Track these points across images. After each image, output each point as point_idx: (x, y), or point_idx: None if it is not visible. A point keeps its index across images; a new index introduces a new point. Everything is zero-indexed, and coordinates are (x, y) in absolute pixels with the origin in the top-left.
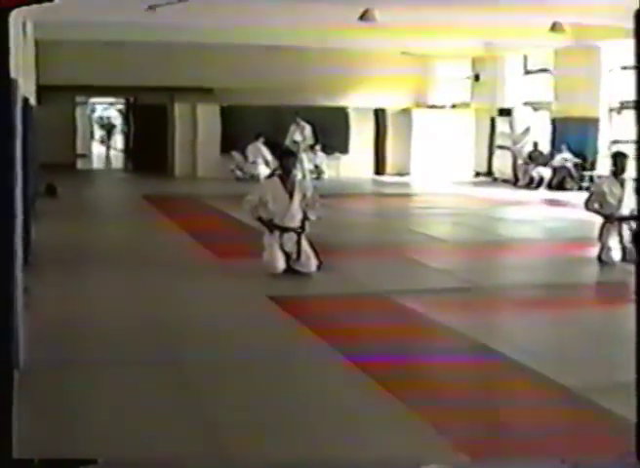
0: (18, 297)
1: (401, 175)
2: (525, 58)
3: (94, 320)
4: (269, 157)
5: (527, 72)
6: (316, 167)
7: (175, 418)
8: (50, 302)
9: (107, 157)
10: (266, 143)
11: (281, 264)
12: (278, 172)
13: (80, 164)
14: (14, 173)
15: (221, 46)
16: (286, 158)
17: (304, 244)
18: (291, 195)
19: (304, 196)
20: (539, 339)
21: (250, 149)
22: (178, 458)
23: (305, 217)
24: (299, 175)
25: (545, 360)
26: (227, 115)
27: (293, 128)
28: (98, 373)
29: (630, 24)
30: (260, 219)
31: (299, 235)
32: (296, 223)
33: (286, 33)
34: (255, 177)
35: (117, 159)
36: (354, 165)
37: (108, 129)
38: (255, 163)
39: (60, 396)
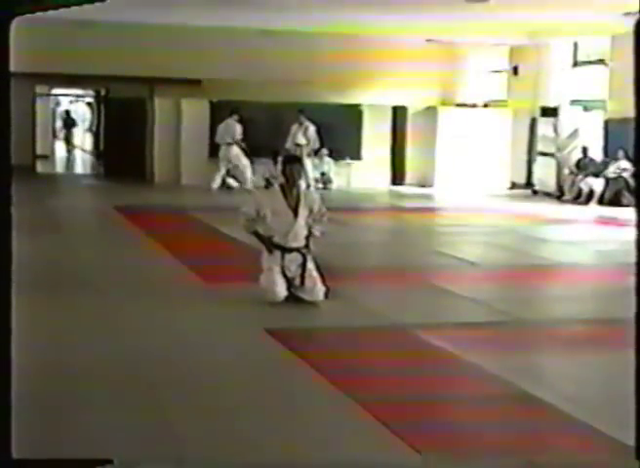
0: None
1: (423, 185)
2: (575, 46)
3: (59, 357)
4: (237, 136)
5: (576, 64)
6: (322, 175)
7: None
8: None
9: (69, 160)
10: (242, 122)
11: (282, 290)
12: (279, 181)
13: (40, 167)
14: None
15: (212, 29)
16: (290, 165)
17: (311, 267)
18: (295, 210)
19: (311, 211)
20: (590, 386)
21: (221, 128)
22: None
23: (310, 234)
24: (303, 186)
25: (598, 410)
26: (218, 112)
27: (295, 128)
28: (63, 425)
29: None
30: (256, 235)
31: (304, 256)
32: (300, 243)
33: (291, 15)
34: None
35: (85, 162)
36: (368, 173)
37: (68, 125)
38: (229, 145)
39: None
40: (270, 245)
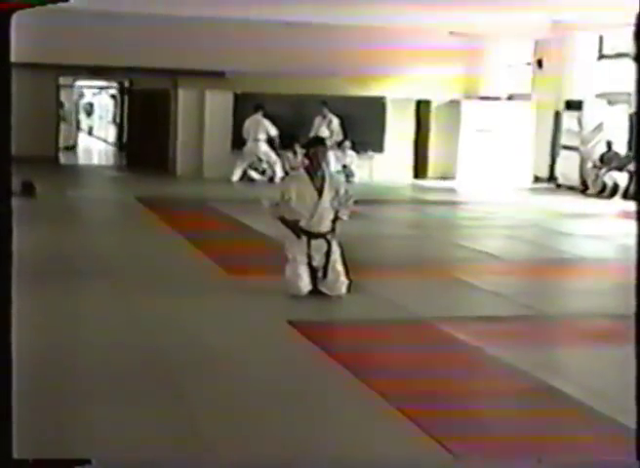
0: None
1: (445, 178)
2: (600, 39)
3: (82, 347)
4: (273, 132)
5: (602, 57)
6: (344, 167)
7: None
8: (28, 326)
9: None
10: (266, 116)
11: (306, 285)
12: (305, 163)
13: (64, 158)
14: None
15: (236, 21)
16: (314, 148)
17: (335, 257)
18: (320, 193)
19: (337, 193)
20: (614, 380)
21: (250, 124)
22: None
23: (336, 218)
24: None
25: (623, 405)
26: (241, 104)
27: (318, 120)
28: (85, 412)
29: None
30: (283, 221)
31: (329, 244)
32: (325, 227)
33: (315, 8)
34: (272, 180)
35: (107, 153)
36: (390, 166)
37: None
38: (257, 141)
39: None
40: (298, 229)
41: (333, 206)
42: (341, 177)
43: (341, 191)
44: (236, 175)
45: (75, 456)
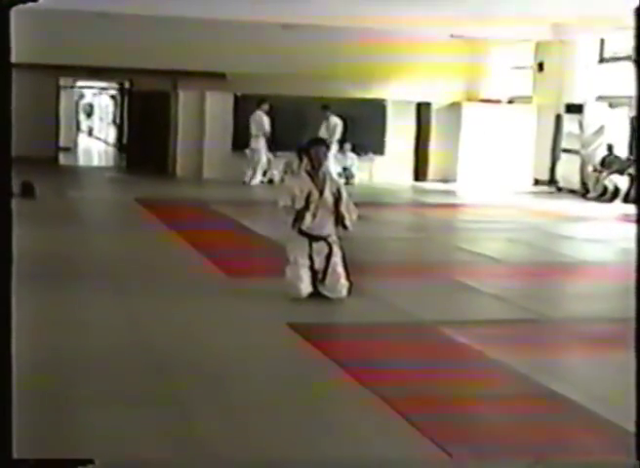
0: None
1: (446, 181)
2: (602, 42)
3: (79, 350)
4: (268, 128)
5: (602, 60)
6: (345, 169)
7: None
8: (28, 327)
9: None
10: (268, 113)
11: (306, 287)
12: (306, 167)
13: (63, 159)
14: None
15: (237, 22)
16: (315, 147)
17: (336, 260)
18: (321, 192)
19: (338, 192)
20: (616, 385)
21: (254, 119)
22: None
23: (343, 226)
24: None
25: (625, 411)
26: (242, 106)
27: (324, 126)
28: (83, 415)
29: None
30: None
31: (330, 247)
32: (327, 231)
33: (315, 8)
34: (272, 181)
35: (107, 154)
36: (390, 168)
37: None
38: (257, 136)
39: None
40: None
41: (333, 205)
42: (340, 181)
43: (343, 192)
44: (256, 179)
45: (75, 457)
